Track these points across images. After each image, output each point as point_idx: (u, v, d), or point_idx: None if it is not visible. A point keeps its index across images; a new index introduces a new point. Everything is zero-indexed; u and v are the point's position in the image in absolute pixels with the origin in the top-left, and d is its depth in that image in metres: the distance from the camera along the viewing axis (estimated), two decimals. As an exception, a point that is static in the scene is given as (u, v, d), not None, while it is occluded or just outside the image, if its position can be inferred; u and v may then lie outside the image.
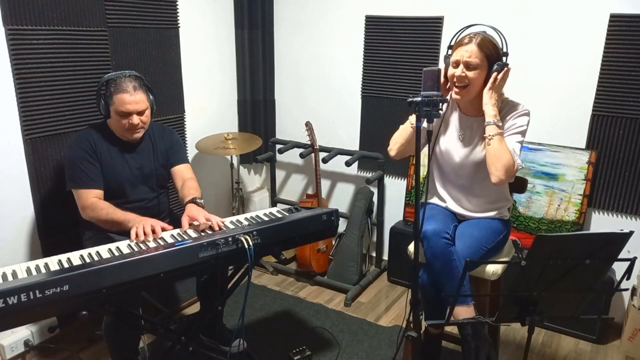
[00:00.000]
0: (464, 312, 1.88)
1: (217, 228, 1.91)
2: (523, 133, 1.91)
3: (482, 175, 1.96)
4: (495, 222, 2.05)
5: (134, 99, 2.04)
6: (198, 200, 2.10)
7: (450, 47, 1.94)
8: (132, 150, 2.20)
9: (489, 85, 1.86)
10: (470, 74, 1.85)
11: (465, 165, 2.00)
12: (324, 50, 3.25)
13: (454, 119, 2.04)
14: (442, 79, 1.91)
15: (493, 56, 1.86)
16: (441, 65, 1.98)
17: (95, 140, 2.12)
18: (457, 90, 1.90)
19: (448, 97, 1.94)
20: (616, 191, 2.55)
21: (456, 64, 1.88)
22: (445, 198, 2.13)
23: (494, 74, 1.85)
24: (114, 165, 2.14)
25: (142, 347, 2.19)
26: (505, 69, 1.86)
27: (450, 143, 2.02)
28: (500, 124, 1.86)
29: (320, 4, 3.18)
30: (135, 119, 2.07)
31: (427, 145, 1.64)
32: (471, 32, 1.89)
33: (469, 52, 1.84)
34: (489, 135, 1.84)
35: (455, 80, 1.89)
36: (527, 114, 1.92)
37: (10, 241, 2.29)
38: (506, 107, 1.94)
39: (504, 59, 1.88)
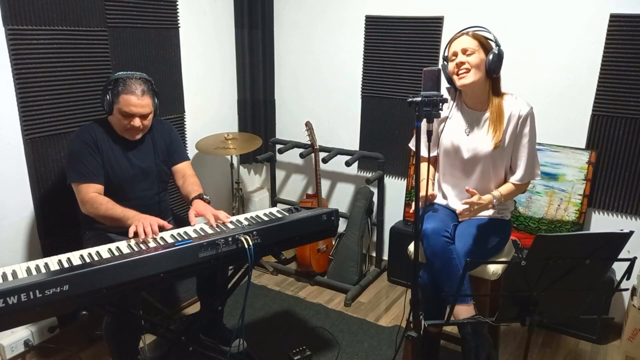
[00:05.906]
0: (464, 311, 1.88)
1: (226, 221, 1.98)
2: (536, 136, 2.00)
3: (489, 169, 2.01)
4: (496, 222, 2.05)
5: (140, 103, 2.04)
6: (205, 197, 2.14)
7: (445, 58, 2.01)
8: (133, 147, 2.20)
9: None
10: (470, 58, 1.91)
11: (474, 160, 2.02)
12: (324, 50, 3.25)
13: (460, 114, 2.06)
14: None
15: (486, 44, 1.94)
16: (441, 65, 1.99)
17: (97, 135, 2.11)
18: (460, 75, 1.93)
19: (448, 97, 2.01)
20: (616, 191, 2.55)
21: (454, 55, 1.94)
22: (447, 195, 2.13)
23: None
24: (115, 162, 2.14)
25: (142, 347, 2.19)
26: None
27: (459, 138, 2.05)
28: (499, 195, 1.97)
29: (320, 3, 3.18)
30: (137, 122, 2.07)
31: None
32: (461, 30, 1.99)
33: (463, 40, 1.93)
34: (498, 202, 1.97)
35: (456, 69, 1.93)
36: (533, 112, 1.98)
37: (10, 241, 2.29)
38: (511, 104, 1.97)
39: (498, 48, 1.93)
